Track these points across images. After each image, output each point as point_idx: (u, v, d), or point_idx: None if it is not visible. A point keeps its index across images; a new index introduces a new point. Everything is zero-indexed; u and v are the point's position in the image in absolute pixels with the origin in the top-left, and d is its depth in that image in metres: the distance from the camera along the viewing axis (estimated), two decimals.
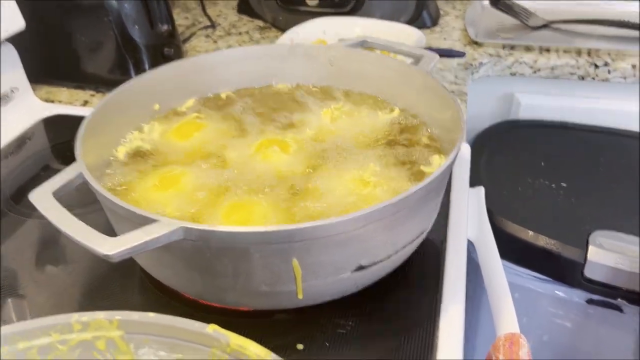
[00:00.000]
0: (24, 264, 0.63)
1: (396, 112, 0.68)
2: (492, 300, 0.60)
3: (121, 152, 0.63)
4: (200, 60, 0.71)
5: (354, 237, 0.46)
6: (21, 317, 0.57)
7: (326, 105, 0.70)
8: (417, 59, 0.70)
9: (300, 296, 0.48)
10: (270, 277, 0.47)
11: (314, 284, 0.48)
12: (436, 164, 0.59)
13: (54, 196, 0.48)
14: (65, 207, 0.47)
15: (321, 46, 0.74)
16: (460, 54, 0.85)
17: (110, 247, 0.42)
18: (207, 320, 0.53)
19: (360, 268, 0.49)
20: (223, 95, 0.73)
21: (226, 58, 0.72)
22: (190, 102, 0.71)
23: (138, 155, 0.63)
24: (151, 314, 0.35)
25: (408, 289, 0.56)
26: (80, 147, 0.53)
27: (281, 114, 0.70)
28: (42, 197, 0.47)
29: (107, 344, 0.38)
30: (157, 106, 0.69)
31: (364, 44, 0.74)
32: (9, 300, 0.59)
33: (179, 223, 0.43)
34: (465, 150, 0.76)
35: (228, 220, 0.52)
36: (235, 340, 0.36)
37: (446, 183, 0.59)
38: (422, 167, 0.60)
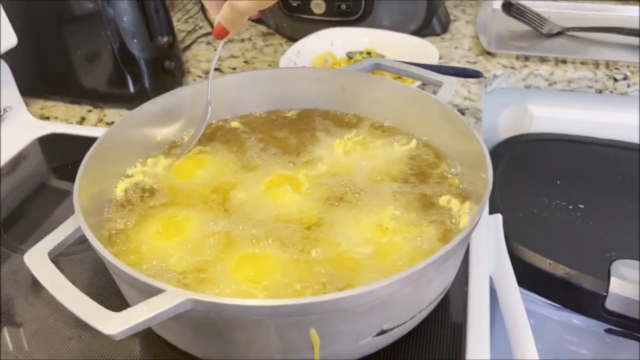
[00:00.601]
0: (20, 291, 0.59)
1: (413, 143, 0.64)
2: (513, 339, 0.57)
3: (121, 190, 0.59)
4: (203, 88, 0.66)
5: (377, 306, 0.42)
6: (17, 346, 0.54)
7: (339, 134, 0.66)
8: (435, 85, 0.66)
9: None
10: (285, 346, 0.43)
11: (332, 351, 0.45)
12: (456, 207, 0.55)
13: (49, 257, 0.44)
14: None
15: (332, 70, 0.70)
16: (478, 75, 0.80)
17: (112, 325, 0.38)
18: None
19: (382, 332, 0.45)
20: (228, 124, 0.69)
21: (229, 84, 0.68)
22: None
23: (140, 193, 0.59)
24: None
25: (429, 343, 0.53)
26: (78, 195, 0.49)
27: (291, 145, 0.66)
28: (37, 260, 0.43)
29: None
30: (159, 137, 0.65)
31: (377, 67, 0.70)
32: (5, 329, 0.56)
33: (187, 294, 0.40)
34: None
35: (238, 275, 0.49)
36: None
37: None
38: (443, 206, 0.56)
